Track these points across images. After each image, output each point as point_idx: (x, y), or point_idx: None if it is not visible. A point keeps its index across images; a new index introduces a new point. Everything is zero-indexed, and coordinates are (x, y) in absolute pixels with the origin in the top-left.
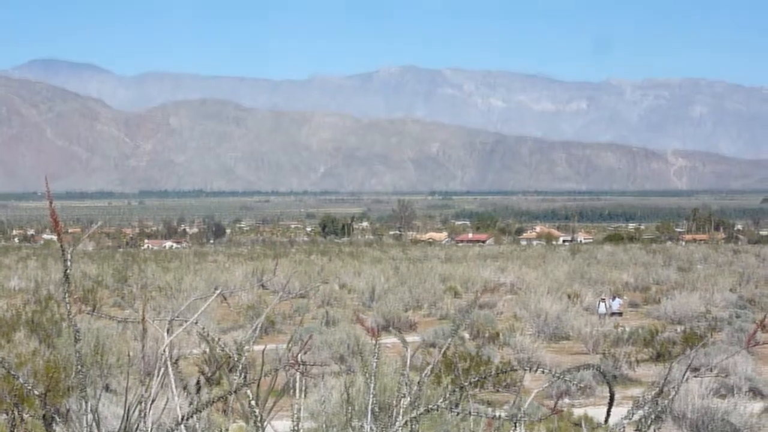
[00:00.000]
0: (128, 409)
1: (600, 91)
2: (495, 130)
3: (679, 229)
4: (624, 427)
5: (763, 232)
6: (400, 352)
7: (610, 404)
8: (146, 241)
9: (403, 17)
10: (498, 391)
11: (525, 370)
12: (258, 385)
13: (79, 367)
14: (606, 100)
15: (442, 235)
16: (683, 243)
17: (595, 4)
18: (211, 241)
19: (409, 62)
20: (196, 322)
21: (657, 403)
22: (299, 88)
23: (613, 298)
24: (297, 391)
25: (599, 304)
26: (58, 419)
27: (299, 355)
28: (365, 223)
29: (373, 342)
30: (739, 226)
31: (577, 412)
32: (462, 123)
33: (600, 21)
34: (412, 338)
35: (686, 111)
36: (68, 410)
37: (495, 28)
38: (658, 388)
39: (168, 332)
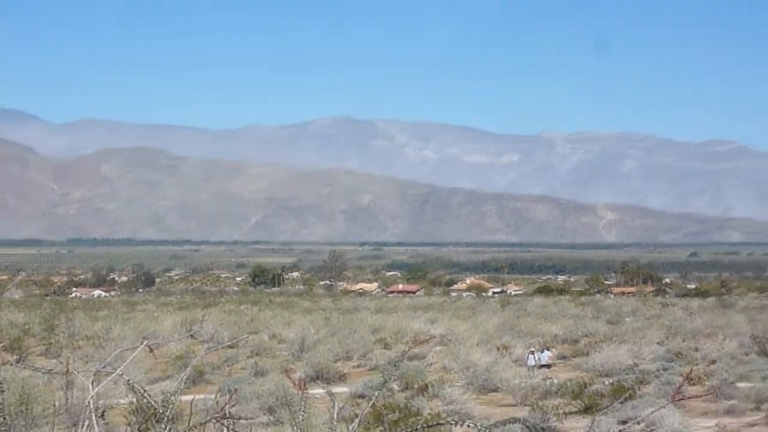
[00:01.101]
0: None
1: (532, 144)
2: (427, 181)
3: (608, 282)
4: None
5: (691, 286)
6: (329, 404)
7: None
8: (75, 289)
9: (336, 68)
10: None
11: (453, 422)
12: None
13: (2, 418)
14: (537, 153)
15: (373, 286)
16: (612, 296)
17: (526, 56)
18: (141, 290)
19: (342, 113)
20: (122, 374)
21: None
22: (232, 138)
23: (542, 351)
24: None
25: (529, 356)
26: None
27: (227, 407)
28: (296, 274)
29: (302, 393)
30: (668, 280)
31: None
32: (394, 174)
33: (532, 75)
34: (341, 389)
35: (616, 165)
36: None
37: (428, 80)
38: None
39: (95, 382)
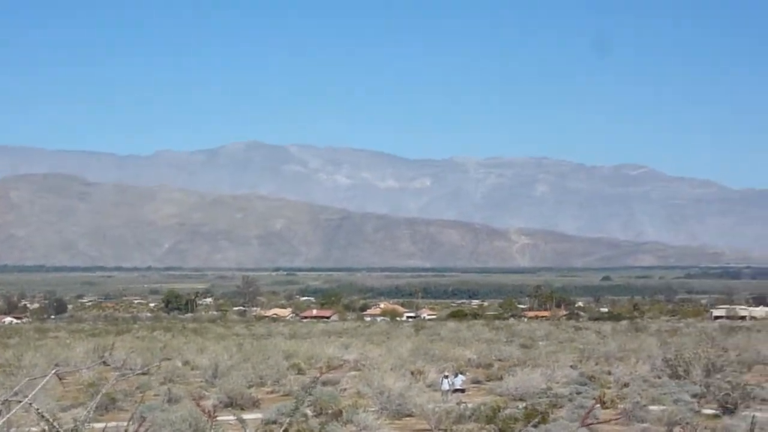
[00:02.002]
0: None
1: (444, 169)
2: (340, 206)
3: (521, 306)
4: None
5: (604, 310)
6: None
7: None
8: None
9: (248, 93)
10: None
11: None
12: None
13: None
14: (450, 177)
15: (287, 312)
16: (526, 320)
17: (438, 81)
18: (53, 317)
19: (255, 138)
20: (31, 402)
21: None
22: (145, 164)
23: (456, 375)
24: None
25: (442, 380)
26: None
27: None
28: (209, 300)
29: (211, 422)
30: (580, 303)
31: None
32: (307, 199)
33: (444, 99)
34: (255, 416)
35: (529, 190)
36: None
37: (340, 106)
38: None
39: (4, 411)
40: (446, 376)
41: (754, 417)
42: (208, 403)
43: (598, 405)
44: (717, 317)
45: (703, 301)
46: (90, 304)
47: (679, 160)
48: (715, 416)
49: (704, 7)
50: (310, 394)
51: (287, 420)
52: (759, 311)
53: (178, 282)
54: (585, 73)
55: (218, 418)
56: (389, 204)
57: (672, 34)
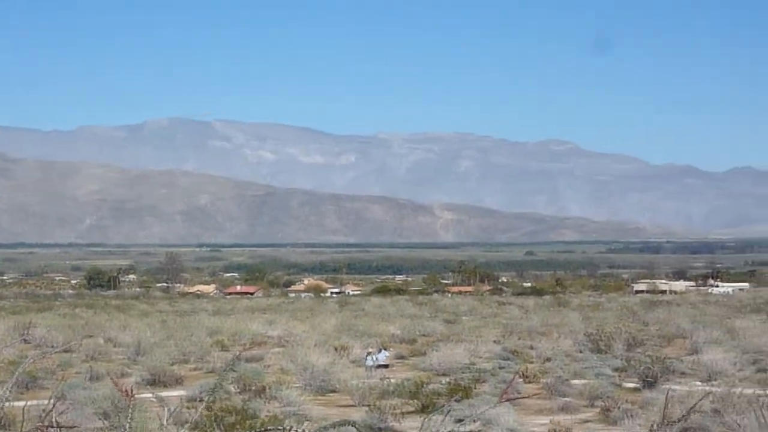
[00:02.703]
0: None
1: (369, 145)
2: (265, 182)
3: (445, 282)
4: None
5: (527, 284)
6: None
7: None
8: None
9: (172, 67)
10: None
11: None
12: None
13: None
14: (375, 153)
15: (211, 288)
16: (450, 295)
17: (364, 56)
18: None
19: (179, 114)
20: None
21: None
22: (67, 139)
23: (380, 351)
24: None
25: (367, 356)
26: None
27: (53, 414)
28: (133, 276)
29: (132, 401)
30: (504, 279)
31: None
32: (232, 175)
33: (369, 74)
34: (178, 393)
35: (453, 165)
36: None
37: (265, 80)
38: None
39: None
40: (370, 353)
41: (668, 390)
42: (130, 381)
43: (521, 379)
44: (638, 292)
45: (625, 276)
46: (11, 281)
47: (603, 136)
48: (636, 390)
49: None
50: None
51: (210, 397)
52: (679, 285)
53: (101, 258)
54: (509, 48)
55: (139, 396)
56: (314, 180)
57: (594, 8)
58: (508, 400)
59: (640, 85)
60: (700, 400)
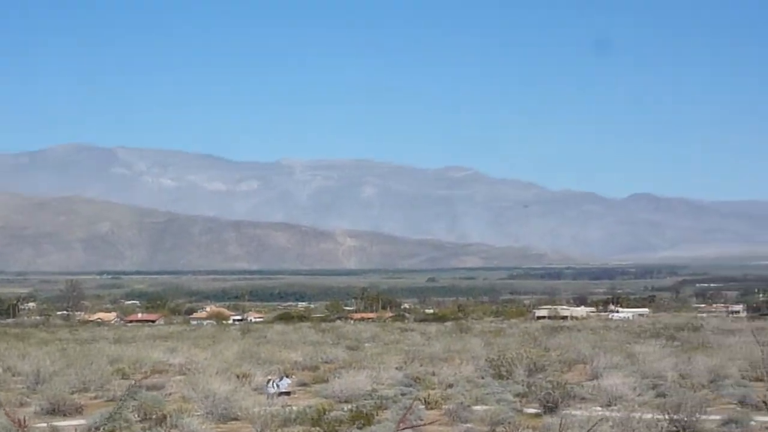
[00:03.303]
0: None
1: (271, 171)
2: (166, 209)
3: (348, 308)
4: None
5: (429, 311)
6: None
7: None
8: None
9: (74, 94)
10: None
11: None
12: None
13: None
14: (277, 180)
15: (112, 316)
16: (352, 322)
17: (264, 83)
18: None
19: (81, 140)
20: None
21: None
22: None
23: (282, 378)
24: None
25: (268, 383)
26: None
27: None
28: (32, 304)
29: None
30: (406, 305)
31: None
32: (133, 202)
33: (270, 100)
34: (78, 422)
35: (355, 192)
36: None
37: (167, 107)
38: None
39: None
40: (270, 380)
41: (562, 417)
42: (29, 410)
43: (423, 406)
44: (539, 317)
45: (527, 302)
46: None
47: (502, 162)
48: (537, 415)
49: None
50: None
51: (108, 426)
52: (580, 311)
53: (0, 286)
54: (406, 74)
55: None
56: (216, 207)
57: (490, 35)
58: (406, 428)
59: (539, 111)
60: (595, 425)
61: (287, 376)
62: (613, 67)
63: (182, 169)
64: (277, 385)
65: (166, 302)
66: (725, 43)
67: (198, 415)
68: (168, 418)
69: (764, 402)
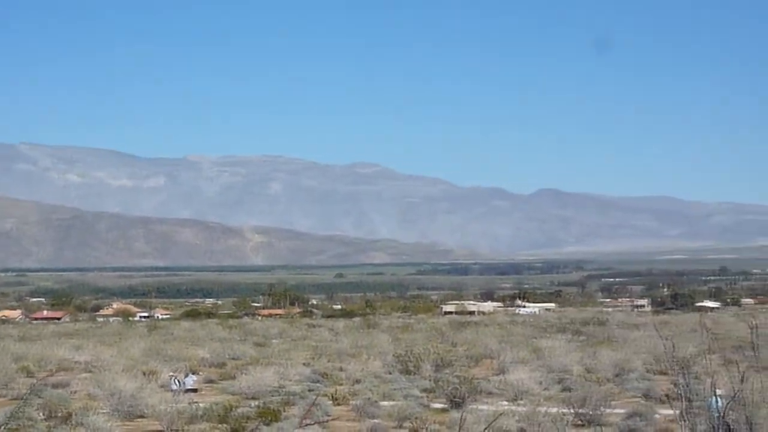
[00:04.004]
0: None
1: (178, 167)
2: (72, 206)
3: (256, 305)
4: None
5: (337, 307)
6: None
7: None
8: None
9: None
10: None
11: None
12: None
13: None
14: (185, 176)
15: (16, 313)
16: (260, 318)
17: (171, 77)
18: None
19: None
20: None
21: None
22: None
23: (187, 375)
24: None
25: (172, 381)
26: None
27: None
28: None
29: None
30: (314, 301)
31: None
32: (38, 199)
33: (177, 95)
34: None
35: (263, 188)
36: None
37: (72, 103)
38: None
39: None
40: (173, 376)
41: (463, 413)
42: None
43: (330, 402)
44: (447, 313)
45: (434, 297)
46: None
47: (410, 158)
48: (444, 410)
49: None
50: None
51: (11, 424)
52: (487, 306)
53: None
54: (313, 69)
55: None
56: (123, 203)
57: (392, 26)
58: (308, 424)
59: (446, 107)
60: (495, 419)
61: (193, 373)
62: (516, 63)
63: (88, 166)
64: (180, 382)
65: (72, 299)
66: (611, 38)
67: (104, 413)
68: (73, 416)
69: (667, 395)
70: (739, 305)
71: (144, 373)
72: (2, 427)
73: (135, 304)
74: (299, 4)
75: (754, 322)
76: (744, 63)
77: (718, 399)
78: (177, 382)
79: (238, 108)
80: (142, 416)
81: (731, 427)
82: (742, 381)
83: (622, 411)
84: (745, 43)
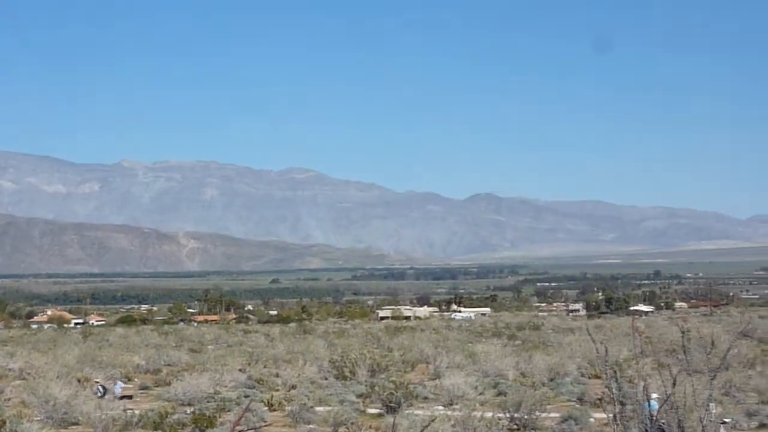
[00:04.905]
0: None
1: (113, 173)
2: (5, 212)
3: (191, 310)
4: None
5: (273, 312)
6: None
7: None
8: None
9: None
10: None
11: None
12: None
13: None
14: (119, 182)
15: None
16: (195, 324)
17: (105, 83)
18: None
19: None
20: None
21: None
22: None
23: (116, 383)
24: None
25: (97, 388)
26: None
27: None
28: None
29: None
30: (250, 307)
31: None
32: None
33: (112, 101)
34: None
35: (198, 193)
36: None
37: (3, 108)
38: None
39: None
40: (97, 383)
41: (395, 418)
42: None
43: (265, 407)
44: (383, 318)
45: (370, 302)
46: None
47: (345, 164)
48: (379, 415)
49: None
50: None
51: None
52: (422, 311)
53: None
54: (249, 76)
55: None
56: (56, 209)
57: (330, 31)
58: (242, 430)
59: (380, 112)
60: (429, 424)
61: (122, 380)
62: (448, 68)
63: (21, 171)
64: (103, 389)
65: (6, 306)
66: (533, 43)
67: (38, 420)
68: (7, 424)
69: (600, 399)
70: (673, 309)
71: (78, 380)
72: None
73: (69, 311)
74: (229, 7)
75: (685, 326)
76: (675, 69)
77: (653, 402)
78: (101, 389)
79: (172, 113)
80: (76, 423)
81: (664, 430)
82: (673, 384)
83: (556, 415)
84: (673, 48)
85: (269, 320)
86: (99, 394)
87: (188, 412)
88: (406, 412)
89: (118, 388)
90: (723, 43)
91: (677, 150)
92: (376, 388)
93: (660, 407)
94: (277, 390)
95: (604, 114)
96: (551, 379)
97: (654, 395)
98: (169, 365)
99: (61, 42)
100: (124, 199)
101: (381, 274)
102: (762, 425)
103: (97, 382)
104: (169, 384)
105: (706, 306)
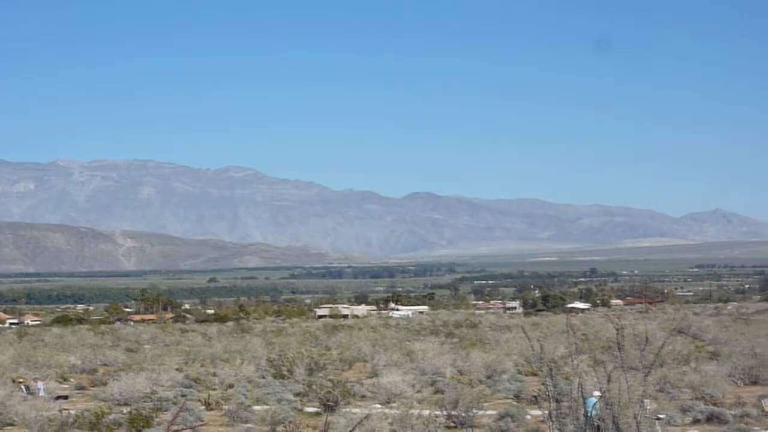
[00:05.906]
0: None
1: (48, 172)
2: None
3: (128, 310)
4: None
5: (210, 311)
6: None
7: None
8: None
9: None
10: None
11: None
12: None
13: None
14: (54, 180)
15: None
16: (132, 324)
17: (39, 78)
18: None
19: None
20: None
21: None
22: None
23: (37, 383)
24: None
25: (21, 387)
26: None
27: None
28: None
29: None
30: (187, 306)
31: None
32: None
33: (46, 97)
34: None
35: (134, 192)
36: None
37: None
38: None
39: None
40: (22, 382)
41: (328, 416)
42: None
43: (202, 407)
44: (320, 316)
45: (308, 301)
46: None
47: (283, 162)
48: (317, 414)
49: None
50: None
51: None
52: (360, 310)
53: None
54: (188, 75)
55: None
56: None
57: (264, 30)
58: (176, 430)
59: (318, 110)
60: (361, 421)
61: (42, 381)
62: (386, 65)
63: None
64: (26, 388)
65: None
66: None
67: None
68: None
69: (535, 397)
70: (609, 306)
71: (13, 381)
72: None
73: (4, 311)
74: (178, 7)
75: (620, 323)
76: (615, 68)
77: (592, 399)
78: (24, 389)
79: (110, 111)
80: (11, 424)
81: (599, 427)
82: (608, 381)
83: (493, 412)
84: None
85: (206, 319)
86: (24, 394)
87: (124, 412)
88: (344, 410)
89: (39, 387)
90: (652, 42)
91: (613, 149)
92: (314, 386)
93: (594, 404)
94: (215, 389)
95: (540, 113)
96: (488, 377)
97: (596, 393)
98: (105, 365)
99: (13, 33)
100: (59, 198)
101: (319, 273)
102: (696, 421)
103: (22, 382)
104: (105, 384)
105: (641, 303)
